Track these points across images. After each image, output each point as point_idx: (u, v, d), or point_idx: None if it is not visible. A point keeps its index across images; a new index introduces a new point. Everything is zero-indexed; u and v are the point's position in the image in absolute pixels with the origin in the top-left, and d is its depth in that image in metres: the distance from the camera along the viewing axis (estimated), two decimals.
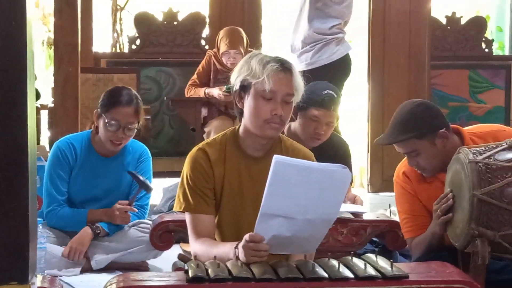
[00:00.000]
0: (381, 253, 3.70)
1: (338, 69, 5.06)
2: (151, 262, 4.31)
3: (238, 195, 2.82)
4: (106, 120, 4.08)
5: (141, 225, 4.24)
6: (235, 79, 2.79)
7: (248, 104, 2.76)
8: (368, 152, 7.25)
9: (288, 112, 2.78)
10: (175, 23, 7.04)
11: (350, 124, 8.55)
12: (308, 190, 2.50)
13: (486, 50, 7.38)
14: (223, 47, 5.81)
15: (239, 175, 2.83)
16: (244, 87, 2.76)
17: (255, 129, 2.76)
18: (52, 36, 7.35)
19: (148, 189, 4.18)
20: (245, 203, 2.80)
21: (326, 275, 2.50)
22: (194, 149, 2.86)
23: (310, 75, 4.82)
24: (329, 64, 5.04)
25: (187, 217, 2.86)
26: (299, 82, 2.81)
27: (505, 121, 7.31)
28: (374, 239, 3.95)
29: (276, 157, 2.46)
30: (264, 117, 2.72)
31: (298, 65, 5.10)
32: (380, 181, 6.96)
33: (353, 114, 8.96)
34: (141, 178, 4.15)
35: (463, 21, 7.36)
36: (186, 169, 2.84)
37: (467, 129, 3.57)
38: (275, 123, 2.73)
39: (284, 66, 2.74)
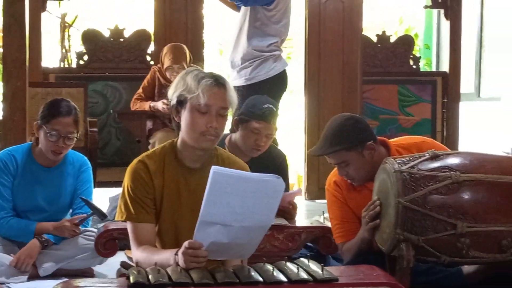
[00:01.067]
0: (315, 257, 3.74)
1: (275, 84, 5.09)
2: (96, 268, 4.26)
3: (177, 205, 2.82)
4: (47, 131, 4.05)
5: (87, 233, 4.21)
6: (172, 95, 2.80)
7: (184, 117, 2.77)
8: (305, 161, 7.29)
9: (222, 125, 2.80)
10: (122, 39, 6.99)
11: (289, 135, 8.60)
12: (244, 199, 2.51)
13: (414, 66, 7.50)
14: (167, 62, 5.81)
15: (178, 185, 2.82)
16: (181, 102, 2.77)
17: (191, 141, 2.77)
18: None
19: (101, 216, 4.16)
20: (184, 212, 2.80)
21: (261, 279, 2.51)
22: (134, 161, 2.86)
23: (249, 89, 4.87)
24: (267, 79, 5.06)
25: (128, 226, 2.84)
26: (233, 96, 2.83)
27: (431, 133, 7.43)
28: (309, 244, 3.96)
29: (214, 168, 2.47)
30: (200, 130, 2.73)
31: (238, 80, 5.12)
32: (317, 189, 6.99)
33: (292, 125, 9.02)
34: (94, 205, 4.14)
35: (392, 40, 7.47)
36: (126, 180, 2.83)
37: (393, 141, 3.63)
38: (210, 135, 2.75)
39: (218, 81, 2.76)
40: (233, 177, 2.51)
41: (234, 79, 5.17)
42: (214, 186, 2.46)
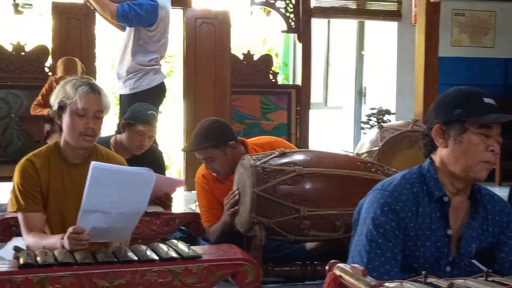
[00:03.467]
0: (187, 239, 3.75)
1: (156, 94, 5.05)
2: None
3: (62, 196, 2.75)
4: None
5: None
6: (54, 101, 2.74)
7: (65, 121, 2.72)
8: (184, 159, 7.27)
9: (99, 126, 2.75)
10: (23, 53, 6.76)
11: (171, 137, 8.55)
12: (120, 190, 2.49)
13: (273, 80, 7.60)
14: (60, 73, 5.82)
15: (62, 179, 2.75)
16: (61, 107, 2.72)
17: (72, 141, 2.72)
18: None
19: None
20: (69, 202, 2.73)
21: (136, 258, 2.49)
22: (22, 159, 2.78)
23: (133, 98, 4.81)
24: (148, 89, 5.01)
25: (19, 215, 2.76)
26: (107, 101, 2.78)
27: (288, 135, 7.55)
28: (182, 227, 3.95)
29: (93, 163, 2.45)
30: (79, 131, 2.68)
31: (124, 89, 5.05)
32: (193, 182, 6.93)
33: (174, 129, 8.96)
34: None
35: (255, 58, 7.55)
36: (16, 176, 2.76)
37: (250, 141, 3.68)
38: (88, 135, 2.70)
39: (93, 88, 2.72)
40: (110, 171, 2.49)
41: (120, 89, 5.11)
42: (94, 179, 2.43)
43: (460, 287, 1.47)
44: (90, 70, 6.45)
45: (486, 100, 2.02)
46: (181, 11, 7.22)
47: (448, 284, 1.45)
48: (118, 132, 3.98)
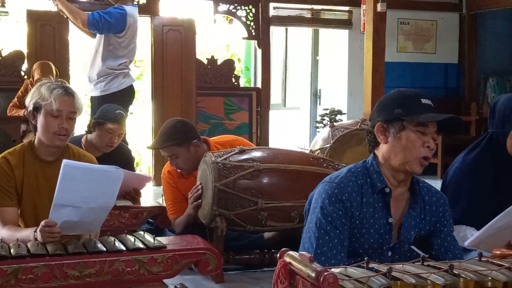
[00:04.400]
0: (155, 230, 3.73)
1: (125, 95, 5.01)
2: None
3: (36, 191, 2.70)
4: None
5: None
6: (29, 102, 2.69)
7: (40, 121, 2.67)
8: (152, 155, 7.22)
9: (72, 126, 2.72)
10: (0, 58, 6.63)
11: (141, 136, 8.48)
12: (90, 186, 2.47)
13: (235, 83, 7.60)
14: (36, 76, 5.73)
15: (36, 175, 2.71)
16: (37, 108, 2.68)
17: (46, 140, 2.68)
18: None
19: None
20: (42, 197, 2.69)
21: (104, 248, 2.46)
22: None
23: (103, 99, 4.76)
24: (118, 91, 4.97)
25: None
26: (80, 103, 2.75)
27: (249, 134, 7.56)
28: (150, 220, 3.92)
29: (64, 161, 2.43)
30: (53, 130, 2.65)
31: (95, 92, 5.00)
32: (161, 177, 6.91)
33: (143, 128, 8.89)
34: None
35: (219, 62, 7.54)
36: None
37: (213, 139, 3.68)
38: (62, 135, 2.67)
39: (67, 91, 2.69)
40: (80, 168, 2.47)
41: (91, 91, 5.05)
42: (65, 176, 2.41)
43: (399, 271, 1.49)
44: (63, 73, 6.36)
45: (424, 101, 2.06)
46: (149, 19, 7.18)
47: (387, 268, 1.47)
48: (89, 131, 3.94)
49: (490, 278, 1.48)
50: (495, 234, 2.11)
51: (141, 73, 10.44)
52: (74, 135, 3.95)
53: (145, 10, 7.12)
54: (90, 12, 4.86)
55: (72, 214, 2.48)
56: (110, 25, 4.84)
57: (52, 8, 6.87)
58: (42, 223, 2.44)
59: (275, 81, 9.43)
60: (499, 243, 2.11)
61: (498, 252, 1.77)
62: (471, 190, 2.55)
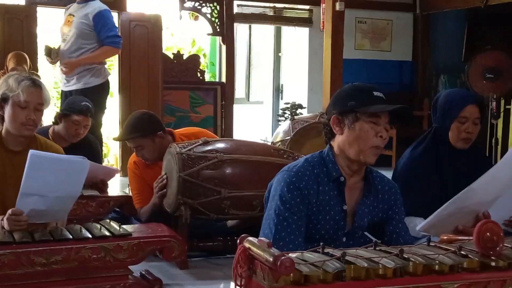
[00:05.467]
0: (121, 219, 3.68)
1: (103, 89, 4.96)
2: None
3: (3, 180, 2.64)
4: None
5: None
6: None
7: (7, 112, 2.62)
8: (120, 147, 7.14)
9: (39, 117, 2.67)
10: None
11: (108, 127, 8.37)
12: (57, 175, 2.44)
13: (201, 77, 7.56)
14: (11, 65, 5.61)
15: (3, 165, 2.65)
16: (4, 99, 2.63)
17: (14, 130, 2.63)
18: None
19: None
20: (9, 186, 2.63)
21: (71, 236, 2.44)
22: None
23: (86, 92, 4.69)
24: (100, 84, 4.91)
25: None
26: (47, 95, 2.71)
27: (214, 126, 7.53)
28: (117, 209, 3.88)
29: (31, 151, 2.40)
30: (20, 121, 2.60)
31: (78, 85, 4.89)
32: None
33: (111, 120, 8.78)
34: None
35: (185, 57, 7.49)
36: None
37: (178, 131, 3.66)
38: (29, 125, 2.62)
39: (35, 83, 2.64)
40: (47, 158, 2.44)
41: (73, 84, 4.92)
42: (32, 165, 2.38)
43: (352, 256, 1.51)
44: (32, 66, 6.23)
45: (376, 93, 2.08)
46: (117, 14, 7.07)
47: (341, 253, 1.49)
48: (56, 123, 3.88)
49: (437, 261, 1.52)
50: (444, 219, 2.16)
51: (108, 67, 10.30)
52: (42, 126, 3.90)
53: (112, 5, 6.97)
54: (108, 41, 4.89)
55: (38, 203, 2.44)
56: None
57: (20, 2, 6.76)
58: (9, 211, 2.41)
59: (239, 76, 9.43)
60: (447, 228, 2.16)
61: (445, 237, 1.81)
62: (418, 185, 2.60)
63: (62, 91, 5.14)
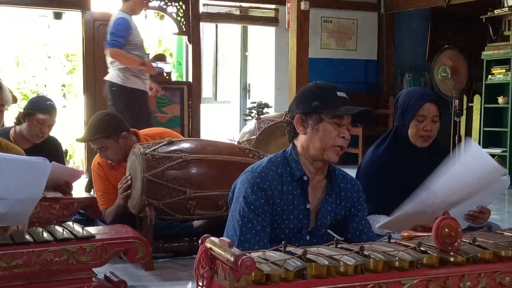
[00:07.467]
0: (85, 221, 3.64)
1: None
2: None
3: None
4: None
5: None
6: None
7: None
8: (85, 148, 7.06)
9: (0, 119, 2.60)
10: None
11: (72, 128, 8.26)
12: (17, 177, 2.36)
13: (167, 77, 7.52)
14: None
15: None
16: None
17: None
18: None
19: None
20: None
21: (32, 239, 2.39)
22: None
23: None
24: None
25: None
26: (8, 96, 2.64)
27: (181, 126, 7.50)
28: (81, 211, 3.83)
29: None
30: None
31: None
32: None
33: (75, 121, 8.67)
34: None
35: (151, 57, 7.41)
36: None
37: (142, 132, 3.62)
38: None
39: None
40: (6, 160, 2.36)
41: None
42: None
43: (313, 254, 1.51)
44: None
45: (339, 94, 2.09)
46: (80, 13, 6.98)
47: (302, 251, 1.49)
48: (18, 123, 3.81)
49: (397, 258, 1.53)
50: (403, 219, 2.18)
51: (73, 67, 10.13)
52: (4, 127, 3.81)
53: (76, 5, 6.93)
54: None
55: None
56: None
57: None
58: None
59: (206, 76, 9.40)
60: (407, 227, 2.18)
61: (405, 234, 1.84)
62: (380, 184, 2.62)
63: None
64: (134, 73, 5.06)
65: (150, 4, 7.28)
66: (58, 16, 7.44)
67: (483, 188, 2.29)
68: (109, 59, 5.15)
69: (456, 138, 6.89)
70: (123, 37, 5.00)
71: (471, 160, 2.13)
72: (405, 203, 2.17)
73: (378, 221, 2.42)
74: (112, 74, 5.13)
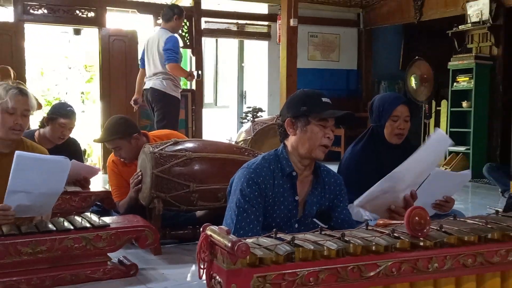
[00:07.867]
0: (102, 212, 3.62)
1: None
2: None
3: None
4: None
5: None
6: None
7: None
8: (101, 147, 7.04)
9: (26, 122, 2.60)
10: None
11: (91, 131, 8.24)
12: (41, 174, 2.38)
13: None
14: None
15: None
16: None
17: (3, 134, 2.55)
18: None
19: None
20: None
21: (54, 228, 2.40)
22: None
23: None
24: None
25: None
26: (33, 102, 2.63)
27: (186, 128, 7.46)
28: (98, 203, 3.82)
29: (17, 152, 2.35)
30: (8, 126, 2.53)
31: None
32: None
33: (93, 124, 8.65)
34: None
35: None
36: None
37: (151, 133, 3.62)
38: (16, 130, 2.55)
39: (21, 91, 2.57)
40: (31, 158, 2.38)
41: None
42: (18, 165, 2.32)
43: (301, 240, 1.51)
44: (20, 77, 6.08)
45: (324, 99, 2.10)
46: (97, 30, 6.98)
47: (291, 237, 1.49)
48: (42, 126, 3.79)
49: (374, 243, 1.53)
50: (378, 197, 2.18)
51: (91, 76, 10.12)
52: (29, 129, 3.80)
53: (93, 22, 6.92)
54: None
55: (25, 199, 2.38)
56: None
57: (9, 19, 6.59)
58: None
59: (208, 84, 9.41)
60: (381, 206, 2.19)
61: (381, 221, 1.84)
62: (359, 176, 2.62)
63: None
64: (175, 83, 5.20)
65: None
66: (77, 32, 7.43)
67: (437, 156, 2.34)
68: (152, 71, 5.19)
69: (426, 138, 6.90)
70: (178, 53, 5.13)
71: (434, 142, 2.22)
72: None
73: (358, 210, 2.43)
74: (155, 83, 5.18)
